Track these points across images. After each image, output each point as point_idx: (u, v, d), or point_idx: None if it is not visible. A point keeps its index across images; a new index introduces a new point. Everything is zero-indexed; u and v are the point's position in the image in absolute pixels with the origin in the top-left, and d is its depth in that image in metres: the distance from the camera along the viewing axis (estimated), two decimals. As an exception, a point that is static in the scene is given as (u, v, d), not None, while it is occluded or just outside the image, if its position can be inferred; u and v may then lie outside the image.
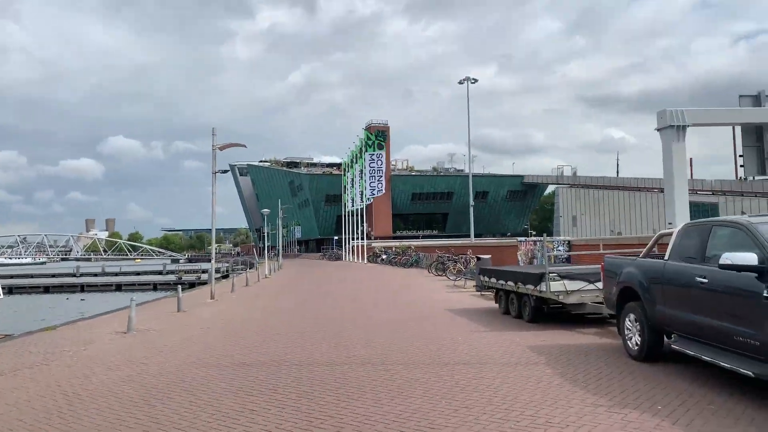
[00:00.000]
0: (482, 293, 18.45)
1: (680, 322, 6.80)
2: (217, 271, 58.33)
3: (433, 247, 39.55)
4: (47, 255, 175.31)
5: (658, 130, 14.68)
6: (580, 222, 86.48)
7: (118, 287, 50.41)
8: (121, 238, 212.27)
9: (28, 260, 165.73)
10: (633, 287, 7.81)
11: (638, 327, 7.72)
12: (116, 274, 78.13)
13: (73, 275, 77.32)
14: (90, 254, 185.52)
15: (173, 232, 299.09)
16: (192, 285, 47.83)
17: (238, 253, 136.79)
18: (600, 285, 10.59)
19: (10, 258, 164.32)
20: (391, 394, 6.56)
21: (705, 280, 6.18)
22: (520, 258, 21.13)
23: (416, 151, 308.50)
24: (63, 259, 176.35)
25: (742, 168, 15.45)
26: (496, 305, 14.08)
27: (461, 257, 27.40)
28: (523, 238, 20.77)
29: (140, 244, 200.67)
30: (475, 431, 5.15)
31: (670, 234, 7.54)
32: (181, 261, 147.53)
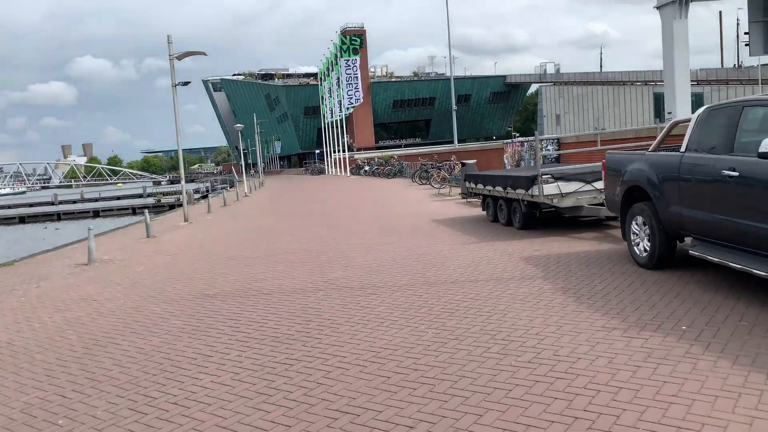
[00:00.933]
0: (468, 200, 17.57)
1: (700, 223, 5.87)
2: (197, 191, 57.16)
3: (417, 155, 38.38)
4: (26, 184, 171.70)
5: (657, 8, 13.24)
6: (564, 120, 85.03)
7: (96, 213, 49.20)
8: (99, 163, 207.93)
9: (7, 191, 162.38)
10: (641, 186, 6.83)
11: (647, 231, 6.80)
12: (96, 200, 76.59)
13: (51, 203, 75.72)
14: (70, 181, 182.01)
15: (153, 154, 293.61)
16: (172, 207, 46.71)
17: (220, 172, 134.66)
18: (598, 185, 9.64)
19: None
20: (369, 326, 5.68)
21: (735, 173, 5.17)
22: (506, 161, 20.11)
23: (396, 57, 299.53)
24: (43, 188, 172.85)
25: (747, 47, 14.16)
26: (484, 213, 13.19)
27: (445, 164, 26.35)
28: (509, 140, 19.64)
29: (120, 168, 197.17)
30: (468, 370, 4.29)
31: (686, 122, 6.45)
32: (162, 183, 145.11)
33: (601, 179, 9.57)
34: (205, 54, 20.31)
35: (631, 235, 7.19)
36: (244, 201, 30.12)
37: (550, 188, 9.64)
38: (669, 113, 13.04)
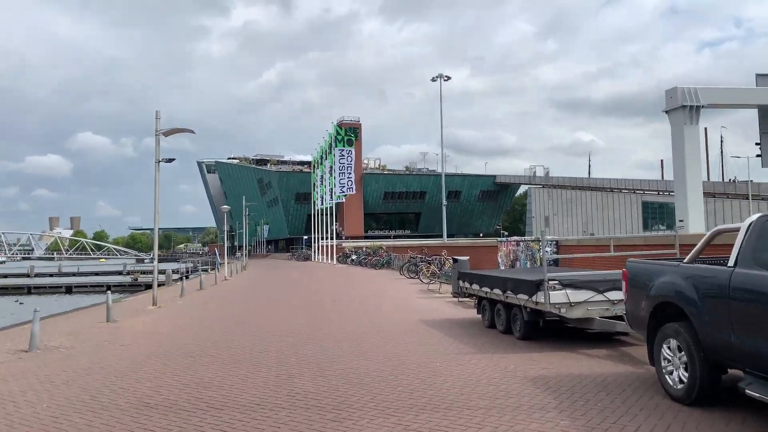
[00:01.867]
0: (460, 299, 16.36)
1: (757, 356, 4.73)
2: (176, 271, 55.38)
3: (406, 247, 37.46)
4: (6, 254, 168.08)
5: (666, 111, 12.79)
6: (553, 222, 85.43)
7: (69, 289, 47.05)
8: (85, 237, 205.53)
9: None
10: (675, 303, 5.73)
11: (684, 358, 5.64)
12: (73, 275, 74.29)
13: (26, 275, 73.29)
14: (53, 253, 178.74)
15: (140, 231, 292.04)
16: (149, 287, 44.92)
17: (205, 253, 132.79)
18: (611, 296, 8.55)
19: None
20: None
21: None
22: (500, 260, 19.11)
23: (389, 152, 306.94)
24: (24, 258, 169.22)
25: (759, 157, 13.65)
26: (479, 316, 11.97)
27: (435, 258, 25.32)
28: (503, 238, 18.75)
29: (105, 243, 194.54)
30: None
31: (732, 231, 5.47)
32: (146, 261, 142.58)
33: (614, 289, 8.51)
34: (192, 132, 19.72)
35: (662, 361, 6.00)
36: (222, 285, 28.65)
37: (557, 296, 8.52)
38: (681, 221, 12.27)
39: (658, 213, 73.54)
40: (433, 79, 48.82)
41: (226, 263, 37.79)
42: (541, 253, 16.06)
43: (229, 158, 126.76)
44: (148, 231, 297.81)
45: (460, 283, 12.48)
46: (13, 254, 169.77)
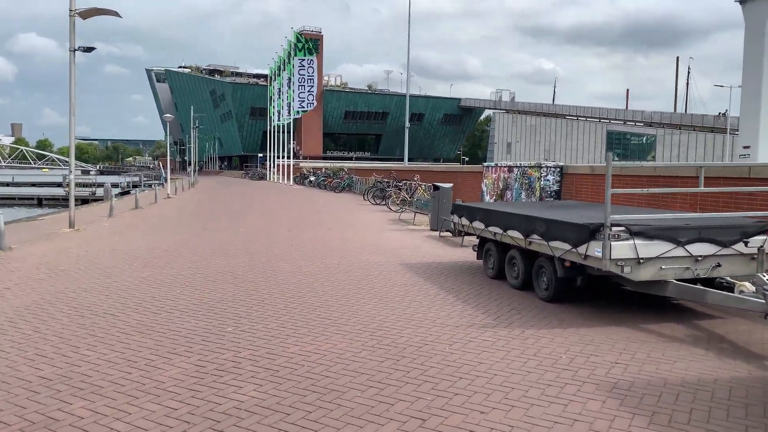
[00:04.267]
0: (441, 234, 13.71)
1: None
2: (116, 185, 51.04)
3: (370, 170, 34.46)
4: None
5: (740, 2, 9.87)
6: (515, 149, 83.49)
7: (-7, 201, 42.45)
8: (27, 145, 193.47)
9: None
10: None
11: None
12: (7, 185, 68.63)
13: (-48, 185, 67.37)
14: None
15: (88, 142, 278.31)
16: (85, 201, 40.86)
17: (155, 167, 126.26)
18: (695, 250, 5.94)
19: None
20: None
21: None
22: (484, 188, 16.43)
23: (351, 70, 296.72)
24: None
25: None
26: (478, 261, 9.33)
27: (405, 183, 22.52)
28: (491, 163, 15.99)
29: (47, 153, 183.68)
30: None
31: None
32: (92, 172, 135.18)
33: (699, 240, 5.89)
34: (117, 15, 15.71)
35: None
36: (162, 204, 25.26)
37: (622, 249, 5.82)
38: (746, 148, 9.67)
39: (622, 143, 72.25)
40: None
41: (168, 179, 34.05)
42: (541, 182, 13.41)
43: (180, 67, 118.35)
44: (96, 142, 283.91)
45: (455, 218, 9.70)
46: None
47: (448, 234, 13.60)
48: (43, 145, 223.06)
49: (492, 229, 8.27)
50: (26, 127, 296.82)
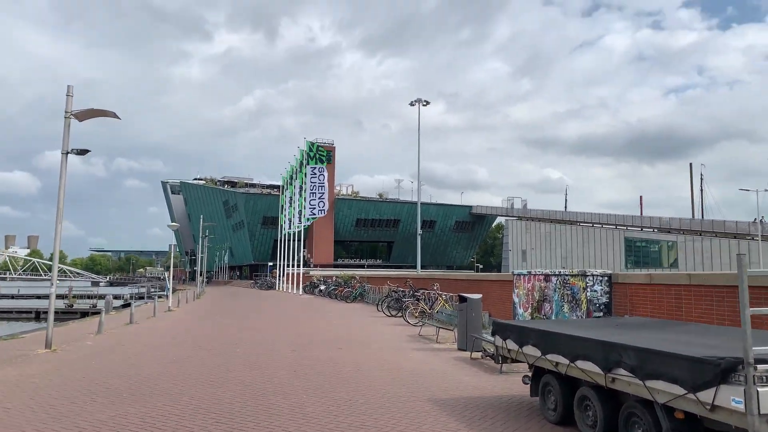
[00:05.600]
0: (472, 356, 11.65)
1: None
2: (118, 297, 49.33)
3: (383, 278, 32.65)
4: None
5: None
6: (530, 257, 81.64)
7: (-11, 315, 40.69)
8: (41, 257, 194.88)
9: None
10: None
11: None
12: (12, 297, 67.24)
13: (-41, 297, 66.15)
14: (6, 273, 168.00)
15: (101, 253, 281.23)
16: (84, 314, 39.02)
17: (164, 278, 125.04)
18: None
19: None
20: None
21: None
22: (516, 300, 14.51)
23: (362, 180, 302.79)
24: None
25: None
26: (531, 398, 7.29)
27: (423, 293, 20.62)
28: (524, 271, 14.19)
29: (60, 265, 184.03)
30: None
31: None
32: (101, 284, 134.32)
33: None
34: (116, 117, 14.81)
35: None
36: (160, 318, 23.35)
37: (777, 399, 3.90)
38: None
39: (642, 250, 70.35)
40: (412, 104, 45.00)
41: (170, 291, 32.32)
42: (587, 293, 11.52)
43: (195, 179, 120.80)
44: (109, 253, 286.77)
45: (498, 341, 7.76)
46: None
47: (481, 355, 11.55)
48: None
49: (552, 357, 6.34)
50: (43, 239, 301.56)
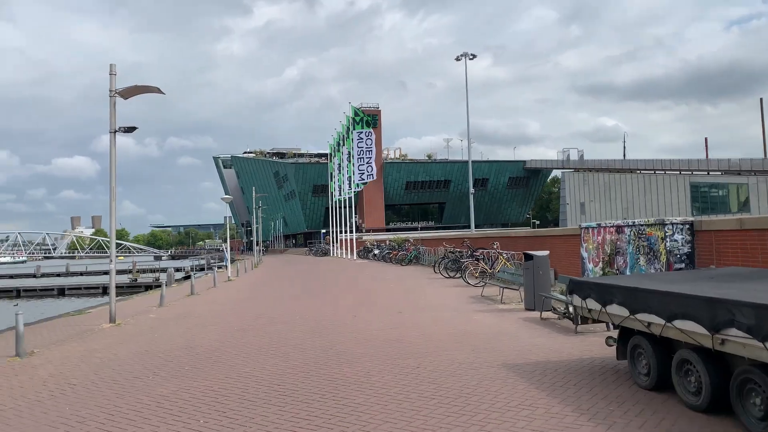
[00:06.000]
0: (542, 316, 11.01)
1: None
2: (179, 270, 50.77)
3: (438, 239, 32.09)
4: (30, 253, 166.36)
5: None
6: (589, 209, 79.07)
7: (61, 292, 42.64)
8: (105, 236, 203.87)
9: (7, 259, 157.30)
10: None
11: None
12: (80, 274, 70.59)
13: (33, 275, 70.00)
14: (75, 252, 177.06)
15: (161, 229, 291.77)
16: (148, 287, 40.36)
17: (221, 249, 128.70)
18: None
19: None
20: None
21: None
22: (585, 255, 13.70)
23: (409, 143, 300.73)
24: (46, 257, 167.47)
25: None
26: (618, 361, 6.66)
27: (482, 252, 19.96)
28: (592, 223, 13.32)
29: (122, 242, 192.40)
30: None
31: None
32: (163, 258, 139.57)
33: None
34: (160, 92, 14.57)
35: None
36: (220, 288, 23.65)
37: None
38: None
39: (709, 195, 66.87)
40: (458, 59, 43.35)
41: (229, 261, 32.83)
42: (667, 244, 10.62)
43: (245, 152, 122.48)
44: (169, 228, 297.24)
45: (576, 300, 7.11)
46: (31, 253, 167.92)
47: (551, 315, 10.91)
48: (120, 234, 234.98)
49: (644, 317, 5.66)
50: (106, 219, 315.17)
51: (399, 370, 7.29)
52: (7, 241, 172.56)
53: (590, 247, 13.37)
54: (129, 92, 14.42)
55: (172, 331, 11.93)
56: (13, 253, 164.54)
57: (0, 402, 6.78)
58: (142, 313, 15.80)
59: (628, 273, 11.59)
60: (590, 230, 13.37)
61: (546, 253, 12.00)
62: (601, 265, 12.62)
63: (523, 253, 12.31)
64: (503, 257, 17.74)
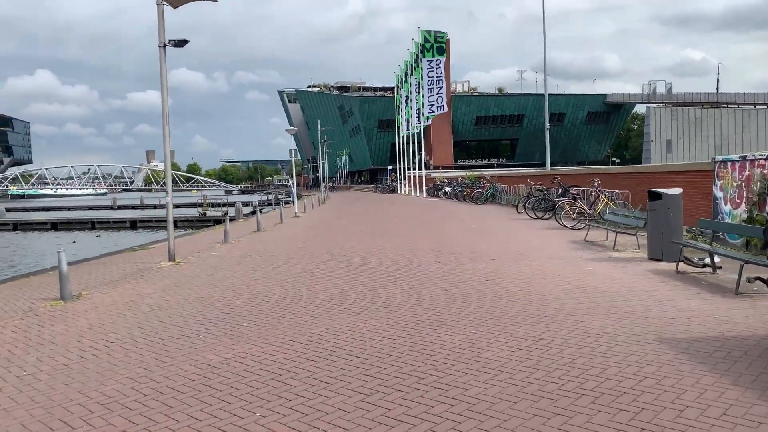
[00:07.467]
0: (679, 269, 8.85)
1: None
2: (247, 204, 50.58)
3: (516, 176, 29.64)
4: (108, 186, 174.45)
5: None
6: (676, 147, 73.23)
7: (133, 224, 43.32)
8: (179, 170, 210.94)
9: (89, 191, 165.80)
10: None
11: None
12: (154, 207, 72.45)
13: (111, 208, 72.56)
14: (151, 185, 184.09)
15: (231, 164, 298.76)
16: (218, 221, 40.24)
17: (289, 185, 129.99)
18: None
19: (68, 188, 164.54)
20: None
21: None
22: (720, 195, 11.24)
23: (479, 78, 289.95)
24: (125, 190, 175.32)
25: None
26: None
27: (578, 191, 17.60)
28: (734, 156, 10.80)
29: (194, 176, 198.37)
30: None
31: None
32: (234, 192, 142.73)
33: None
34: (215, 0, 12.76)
35: None
36: (287, 225, 22.49)
37: None
38: None
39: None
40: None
41: (295, 197, 31.74)
42: None
43: (309, 86, 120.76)
44: (239, 163, 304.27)
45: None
46: (110, 186, 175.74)
47: (688, 267, 8.74)
48: (192, 169, 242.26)
49: None
50: (179, 154, 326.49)
51: (516, 343, 5.47)
52: (87, 173, 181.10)
53: (728, 185, 10.88)
54: (179, 1, 12.69)
55: (233, 273, 10.59)
56: (94, 186, 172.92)
57: (20, 363, 5.48)
58: (205, 251, 14.71)
59: (789, 218, 9.16)
60: (730, 164, 10.84)
61: (679, 191, 9.67)
62: (747, 206, 10.18)
63: (648, 191, 10.02)
64: (605, 196, 15.38)
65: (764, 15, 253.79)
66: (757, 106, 66.46)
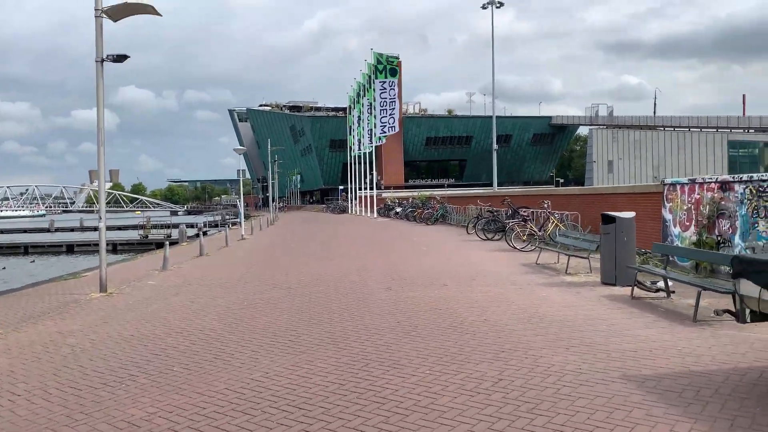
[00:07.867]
0: (633, 295, 8.67)
1: None
2: (192, 226, 49.00)
3: (466, 197, 29.66)
4: (48, 207, 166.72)
5: None
6: (617, 167, 75.72)
7: (70, 249, 41.21)
8: (122, 190, 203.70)
9: (26, 212, 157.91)
10: None
11: None
12: (94, 229, 69.42)
13: (48, 230, 69.26)
14: (93, 206, 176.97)
15: (178, 183, 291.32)
16: (160, 245, 38.67)
17: (237, 205, 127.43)
18: None
19: (2, 210, 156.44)
20: None
21: None
22: (669, 218, 11.25)
23: (429, 99, 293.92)
24: (65, 211, 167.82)
25: None
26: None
27: (528, 213, 17.54)
28: (683, 179, 10.83)
29: (139, 196, 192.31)
30: None
31: None
32: (179, 213, 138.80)
33: None
34: (157, 13, 12.07)
35: None
36: (233, 248, 21.63)
37: None
38: None
39: (749, 154, 63.34)
40: (484, 6, 39.96)
41: (242, 219, 30.82)
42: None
43: (260, 105, 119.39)
44: (186, 183, 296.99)
45: (746, 285, 4.74)
46: (49, 207, 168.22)
47: (643, 292, 8.57)
48: (136, 189, 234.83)
49: None
50: (124, 173, 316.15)
51: (474, 385, 5.03)
52: (25, 194, 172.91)
53: (677, 207, 10.90)
54: (118, 13, 11.91)
55: (169, 305, 9.81)
56: (32, 207, 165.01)
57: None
58: (142, 278, 13.77)
59: (738, 240, 9.17)
60: (679, 187, 10.87)
61: (632, 214, 9.56)
62: (694, 229, 10.18)
63: (602, 215, 9.88)
64: (555, 218, 15.34)
65: (693, 45, 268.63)
66: (691, 129, 69.43)
